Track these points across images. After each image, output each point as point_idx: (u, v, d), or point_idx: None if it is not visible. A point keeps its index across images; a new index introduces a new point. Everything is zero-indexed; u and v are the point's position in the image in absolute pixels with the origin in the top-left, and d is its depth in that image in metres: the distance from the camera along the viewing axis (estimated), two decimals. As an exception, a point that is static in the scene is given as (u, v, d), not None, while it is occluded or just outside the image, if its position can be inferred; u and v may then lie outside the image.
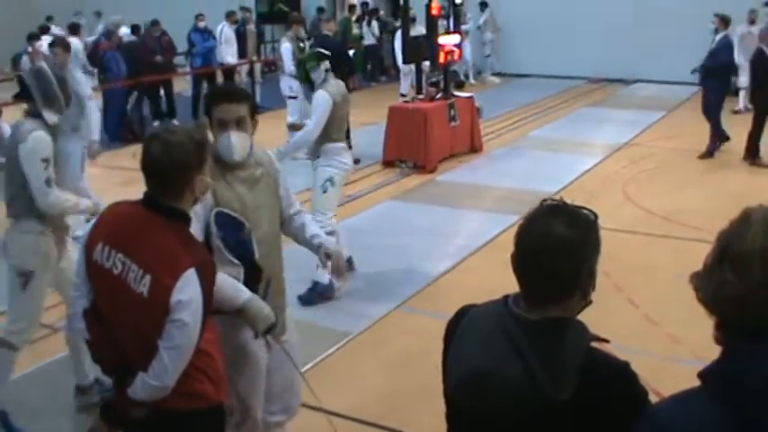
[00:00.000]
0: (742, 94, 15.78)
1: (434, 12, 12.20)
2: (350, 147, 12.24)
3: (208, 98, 4.14)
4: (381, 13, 22.90)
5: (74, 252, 4.94)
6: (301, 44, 13.32)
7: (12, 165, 5.01)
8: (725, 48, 12.59)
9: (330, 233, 6.29)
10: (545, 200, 2.25)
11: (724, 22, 12.66)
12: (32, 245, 5.06)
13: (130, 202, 3.19)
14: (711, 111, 12.40)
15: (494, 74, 21.66)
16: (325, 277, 7.08)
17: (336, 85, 7.40)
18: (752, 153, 12.01)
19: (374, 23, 21.45)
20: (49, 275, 5.17)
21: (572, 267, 2.14)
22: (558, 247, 2.11)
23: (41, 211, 5.00)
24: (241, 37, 18.48)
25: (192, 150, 2.99)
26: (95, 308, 3.15)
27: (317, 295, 7.15)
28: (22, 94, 5.32)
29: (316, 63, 7.36)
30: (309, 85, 7.69)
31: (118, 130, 14.79)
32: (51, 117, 5.01)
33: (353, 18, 21.27)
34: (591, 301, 2.24)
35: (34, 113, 5.02)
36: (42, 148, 4.91)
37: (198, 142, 3.03)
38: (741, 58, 15.05)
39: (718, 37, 12.72)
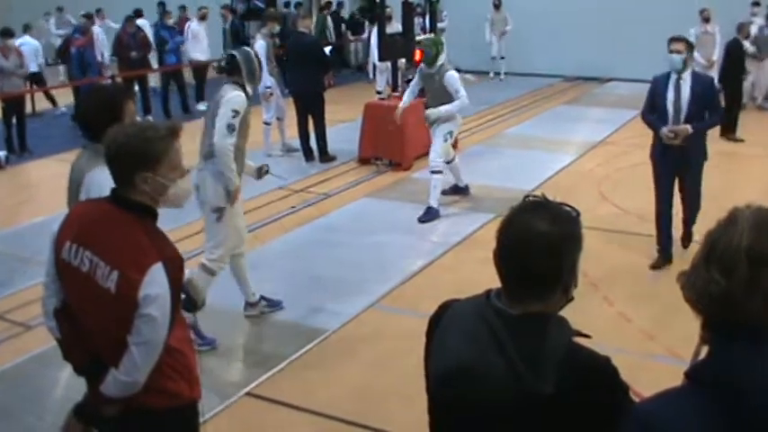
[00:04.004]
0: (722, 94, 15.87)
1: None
2: (325, 145, 12.31)
3: None
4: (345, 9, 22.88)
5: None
6: (276, 41, 13.26)
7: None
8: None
9: (437, 171, 9.40)
10: (527, 196, 2.25)
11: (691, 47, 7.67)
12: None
13: (97, 199, 3.17)
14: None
15: (468, 72, 21.56)
16: (435, 203, 9.48)
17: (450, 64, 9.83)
18: (730, 129, 13.41)
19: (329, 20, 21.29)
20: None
21: (553, 263, 2.14)
22: (539, 242, 2.11)
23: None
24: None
25: (136, 147, 2.95)
26: (66, 306, 3.14)
27: (432, 216, 9.41)
28: (228, 70, 6.43)
29: (443, 46, 9.73)
30: (429, 65, 9.47)
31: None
32: (250, 89, 6.35)
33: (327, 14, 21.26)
34: (573, 298, 2.24)
35: (239, 84, 6.27)
36: (237, 102, 6.10)
37: (146, 138, 2.97)
38: (700, 58, 15.19)
39: (690, 71, 7.54)
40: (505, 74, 20.96)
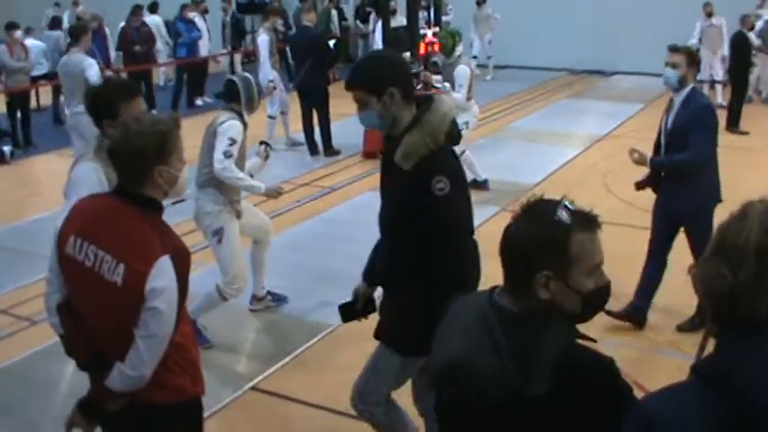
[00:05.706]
0: (719, 88, 15.89)
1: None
2: (329, 139, 12.31)
3: None
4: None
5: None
6: (279, 35, 13.23)
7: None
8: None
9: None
10: (541, 196, 2.25)
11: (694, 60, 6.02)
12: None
13: (102, 194, 3.17)
14: None
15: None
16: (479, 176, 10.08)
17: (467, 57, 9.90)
18: (733, 122, 13.52)
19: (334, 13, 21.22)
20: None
21: (523, 267, 2.14)
22: (509, 243, 2.16)
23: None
24: (224, 28, 18.55)
25: (149, 140, 2.95)
26: (69, 302, 3.13)
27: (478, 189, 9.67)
28: (226, 96, 6.24)
29: (459, 37, 9.93)
30: (447, 56, 9.94)
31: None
32: (247, 117, 6.18)
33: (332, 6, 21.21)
34: (567, 308, 2.20)
35: (236, 111, 6.10)
36: (235, 131, 5.96)
37: (159, 132, 2.98)
38: (707, 52, 15.10)
39: (687, 91, 5.92)
40: (495, 68, 20.14)
